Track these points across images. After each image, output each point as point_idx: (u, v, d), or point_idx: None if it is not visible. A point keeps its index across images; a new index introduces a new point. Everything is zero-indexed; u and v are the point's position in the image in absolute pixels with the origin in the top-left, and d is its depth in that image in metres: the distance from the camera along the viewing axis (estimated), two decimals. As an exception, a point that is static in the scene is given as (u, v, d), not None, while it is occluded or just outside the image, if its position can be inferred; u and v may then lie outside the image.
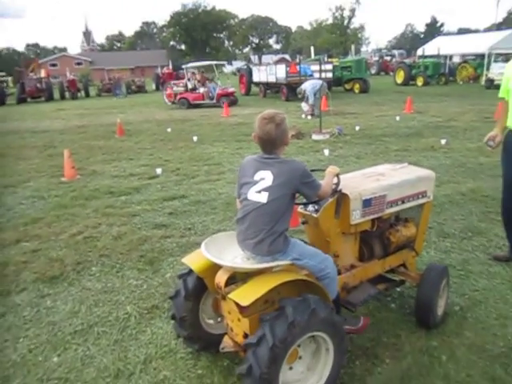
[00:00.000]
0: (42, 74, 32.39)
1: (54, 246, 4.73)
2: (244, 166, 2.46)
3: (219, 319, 2.78)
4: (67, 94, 32.10)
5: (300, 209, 2.70)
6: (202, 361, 2.79)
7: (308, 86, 13.79)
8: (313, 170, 2.90)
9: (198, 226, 5.03)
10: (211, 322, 2.78)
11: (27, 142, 12.04)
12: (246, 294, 2.13)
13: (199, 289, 2.60)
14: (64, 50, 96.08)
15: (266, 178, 2.30)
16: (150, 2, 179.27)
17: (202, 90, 19.49)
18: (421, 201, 3.03)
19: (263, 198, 2.27)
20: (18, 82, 31.08)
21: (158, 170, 7.45)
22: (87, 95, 31.80)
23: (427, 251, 4.11)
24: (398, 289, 3.39)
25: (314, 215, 2.60)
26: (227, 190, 6.25)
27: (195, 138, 10.55)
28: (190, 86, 19.95)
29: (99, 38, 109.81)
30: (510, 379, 2.51)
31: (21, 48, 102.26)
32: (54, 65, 72.05)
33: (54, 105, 26.37)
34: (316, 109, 13.53)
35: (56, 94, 31.41)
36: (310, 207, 2.64)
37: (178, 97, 19.59)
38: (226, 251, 2.44)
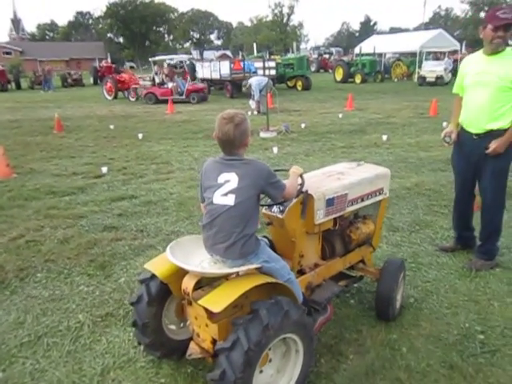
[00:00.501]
0: (-34, 64, 30.07)
1: (-9, 251, 4.38)
2: (206, 168, 2.40)
3: (182, 325, 2.70)
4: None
5: (264, 210, 2.67)
6: (164, 369, 2.69)
7: (253, 82, 13.84)
8: (276, 170, 2.89)
9: (150, 227, 4.85)
10: (173, 327, 2.69)
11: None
12: (217, 300, 2.08)
13: (163, 294, 2.51)
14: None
15: (230, 180, 2.25)
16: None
17: (170, 85, 18.61)
18: (378, 198, 3.11)
19: (230, 200, 2.22)
20: None
21: (104, 169, 7.13)
22: (18, 87, 29.97)
23: (380, 246, 4.23)
24: (356, 284, 3.47)
25: (280, 216, 2.58)
26: (178, 190, 6.10)
27: (140, 136, 10.22)
28: (157, 80, 19.03)
29: (29, 27, 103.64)
30: (466, 365, 2.64)
31: None
32: (-22, 54, 66.97)
33: (-20, 98, 24.54)
34: (262, 106, 13.63)
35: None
36: (275, 208, 2.63)
37: (145, 91, 18.73)
38: (192, 255, 2.36)
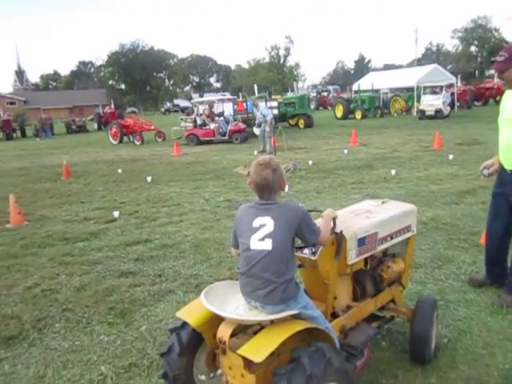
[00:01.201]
0: (-28, 114, 30.80)
1: (7, 301, 4.29)
2: (240, 214, 2.39)
3: (212, 375, 2.58)
4: (1, 135, 30.60)
5: (295, 252, 2.62)
6: (195, 422, 2.57)
7: (261, 106, 15.09)
8: (309, 211, 2.86)
9: (168, 271, 4.77)
10: (204, 378, 2.58)
11: (-38, 188, 11.17)
12: (257, 349, 1.99)
13: (194, 343, 2.41)
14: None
15: (266, 223, 2.22)
16: (86, 42, 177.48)
17: (212, 125, 18.45)
18: (407, 235, 3.06)
19: (267, 245, 2.19)
20: None
21: (116, 213, 7.11)
22: (23, 135, 30.43)
23: (406, 283, 4.15)
24: (386, 325, 3.36)
25: (312, 258, 2.53)
26: (193, 232, 6.05)
27: (149, 179, 10.26)
28: (199, 121, 18.88)
29: (33, 77, 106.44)
30: (513, 411, 2.51)
31: None
32: (-17, 105, 68.62)
33: (-13, 147, 24.94)
34: (268, 145, 13.86)
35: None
36: (306, 250, 2.57)
37: (186, 133, 18.55)
38: (226, 302, 2.30)
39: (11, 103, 70.45)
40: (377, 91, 31.00)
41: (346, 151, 12.89)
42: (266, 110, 15.34)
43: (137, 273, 4.78)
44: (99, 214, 7.39)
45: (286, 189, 8.22)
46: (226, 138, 18.03)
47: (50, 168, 13.58)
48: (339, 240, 2.50)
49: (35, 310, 4.06)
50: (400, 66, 66.37)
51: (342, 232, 2.49)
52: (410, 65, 66.90)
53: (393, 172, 9.22)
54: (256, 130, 15.22)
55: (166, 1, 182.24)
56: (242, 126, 18.87)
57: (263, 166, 2.26)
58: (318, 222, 2.51)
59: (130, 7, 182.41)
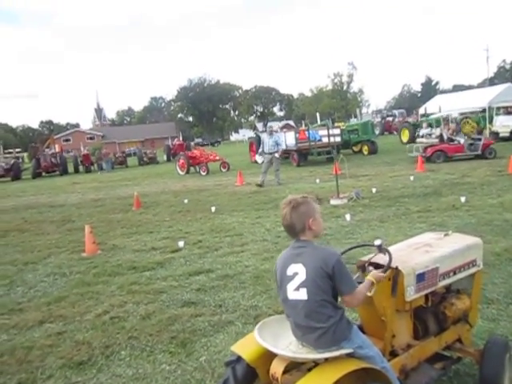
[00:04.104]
0: (57, 148, 33.65)
1: (79, 327, 4.55)
2: (278, 261, 2.38)
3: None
4: (81, 168, 33.05)
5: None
6: None
7: (270, 141, 14.53)
8: (360, 246, 2.81)
9: (228, 302, 4.83)
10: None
11: (45, 217, 12.15)
12: None
13: (249, 378, 2.42)
14: (76, 125, 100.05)
15: (299, 272, 2.19)
16: (157, 79, 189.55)
17: (462, 140, 16.80)
18: (472, 270, 2.90)
19: (303, 295, 2.17)
20: (33, 158, 32.27)
21: (181, 243, 7.36)
22: (101, 168, 32.60)
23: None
24: (454, 366, 3.15)
25: (368, 294, 2.47)
26: (254, 263, 6.10)
27: (213, 209, 10.54)
28: (445, 136, 17.50)
29: (110, 113, 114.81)
30: None
31: (35, 125, 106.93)
32: (67, 140, 74.97)
33: (68, 178, 27.08)
34: (276, 177, 14.17)
35: (70, 168, 32.35)
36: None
37: (430, 149, 16.64)
38: (279, 337, 2.30)
39: (90, 138, 76.36)
40: (446, 114, 29.83)
41: (412, 178, 12.46)
42: (280, 139, 15.16)
43: (198, 303, 4.89)
44: (165, 244, 7.68)
45: (348, 218, 8.08)
46: (479, 152, 16.25)
47: (122, 199, 14.40)
48: (395, 276, 2.42)
49: (104, 337, 4.27)
50: (471, 87, 63.72)
51: (397, 267, 2.42)
52: (482, 85, 63.99)
53: (462, 199, 8.75)
54: (259, 158, 15.02)
55: (231, 37, 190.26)
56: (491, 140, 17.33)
57: (284, 205, 2.26)
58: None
59: (198, 44, 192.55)
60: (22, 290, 5.92)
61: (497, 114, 23.92)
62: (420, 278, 2.54)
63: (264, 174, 14.14)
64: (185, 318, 4.51)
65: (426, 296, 2.68)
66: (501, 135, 22.31)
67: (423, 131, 20.86)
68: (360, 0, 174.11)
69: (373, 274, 2.38)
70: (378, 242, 2.50)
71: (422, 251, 2.75)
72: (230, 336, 4.03)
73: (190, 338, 4.09)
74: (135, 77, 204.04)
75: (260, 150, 14.95)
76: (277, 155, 14.27)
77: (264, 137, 15.29)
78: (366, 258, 2.62)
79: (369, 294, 2.45)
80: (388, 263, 2.42)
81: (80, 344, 4.16)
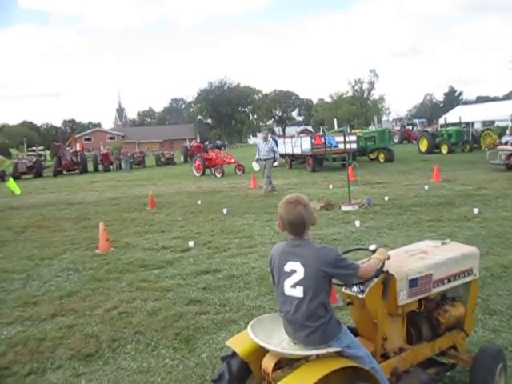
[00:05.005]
0: (78, 147, 34.31)
1: (89, 321, 4.72)
2: (273, 255, 2.46)
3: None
4: (100, 167, 33.63)
5: (344, 289, 2.66)
6: None
7: (266, 147, 13.91)
8: (355, 250, 2.89)
9: (232, 301, 4.95)
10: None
11: (63, 214, 12.48)
12: (297, 382, 2.06)
13: (243, 373, 2.51)
14: (98, 125, 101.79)
15: (297, 270, 2.28)
16: (178, 80, 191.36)
17: None
18: (467, 279, 2.95)
19: (299, 292, 2.25)
20: (55, 156, 32.95)
21: (191, 243, 7.51)
22: (119, 168, 33.12)
23: (475, 330, 3.89)
24: (449, 373, 3.20)
25: (360, 296, 2.55)
26: (260, 264, 6.20)
27: (225, 210, 10.68)
28: None
29: (131, 114, 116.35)
30: None
31: (58, 124, 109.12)
32: (88, 139, 76.31)
33: (88, 177, 27.60)
34: (266, 185, 13.67)
35: (90, 167, 32.96)
36: (355, 288, 2.60)
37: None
38: (272, 334, 2.39)
39: (111, 138, 77.58)
40: (467, 125, 29.54)
41: (426, 187, 12.38)
42: (275, 146, 14.34)
43: (203, 301, 5.02)
44: (176, 243, 7.84)
45: (358, 224, 8.12)
46: None
47: (137, 198, 14.66)
48: (386, 280, 2.50)
49: (111, 331, 4.42)
50: (495, 99, 62.73)
51: (388, 271, 2.50)
52: (507, 97, 62.92)
53: (475, 210, 8.69)
54: (255, 166, 14.49)
55: (253, 41, 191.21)
56: None
57: (294, 203, 2.32)
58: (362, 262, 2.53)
59: (219, 47, 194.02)
60: (38, 284, 6.14)
61: (520, 127, 23.55)
62: (413, 283, 2.60)
63: (267, 179, 13.83)
64: (189, 316, 4.64)
65: (420, 301, 2.74)
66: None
67: (507, 138, 20.17)
68: (384, 6, 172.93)
69: (379, 252, 2.50)
70: (372, 247, 2.58)
71: (417, 258, 2.81)
72: (232, 335, 4.05)
73: (193, 335, 4.22)
74: (157, 78, 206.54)
75: (256, 156, 14.33)
76: (276, 163, 13.59)
77: (259, 143, 14.45)
78: (360, 262, 2.69)
79: (361, 296, 2.53)
80: (380, 267, 2.50)
81: (89, 337, 4.32)
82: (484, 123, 32.72)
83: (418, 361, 2.78)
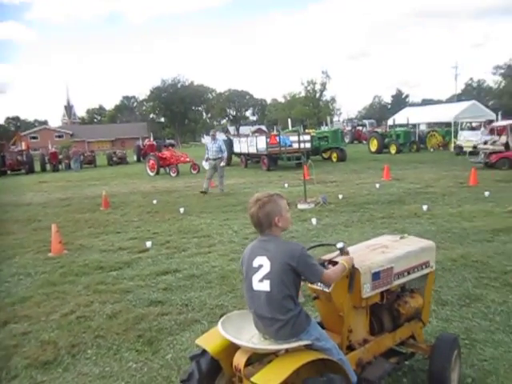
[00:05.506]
0: (23, 146, 32.69)
1: (45, 327, 4.53)
2: (245, 252, 2.51)
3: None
4: (48, 166, 32.23)
5: (310, 284, 2.72)
6: None
7: (214, 146, 13.62)
8: (323, 245, 2.97)
9: (194, 301, 4.92)
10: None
11: (10, 216, 11.88)
12: (270, 377, 2.09)
13: (213, 371, 2.52)
14: (45, 122, 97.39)
15: (263, 264, 2.32)
16: (130, 78, 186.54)
17: None
18: (425, 271, 3.10)
19: (266, 286, 2.29)
20: (-2, 155, 31.19)
21: (148, 244, 7.38)
22: (69, 167, 31.88)
23: (429, 321, 4.10)
24: (408, 362, 3.35)
25: (326, 290, 2.62)
26: (220, 263, 6.21)
27: (182, 210, 10.57)
28: (511, 144, 17.14)
29: (80, 111, 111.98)
30: None
31: (1, 121, 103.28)
32: (34, 137, 72.77)
33: (35, 177, 26.42)
34: (220, 185, 13.60)
35: (37, 167, 31.49)
36: None
37: (495, 156, 16.62)
38: (242, 331, 2.42)
39: (59, 136, 74.40)
40: (413, 126, 30.85)
41: (377, 186, 12.85)
42: (224, 144, 14.19)
43: (165, 302, 4.96)
44: (133, 244, 7.68)
45: (314, 222, 8.30)
46: None
47: (90, 199, 14.20)
48: (352, 273, 2.59)
49: (70, 336, 4.27)
50: (439, 101, 65.90)
51: (353, 265, 2.58)
52: (450, 100, 66.29)
53: (424, 208, 9.12)
54: (205, 165, 14.36)
55: (206, 38, 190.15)
56: None
57: (252, 203, 2.38)
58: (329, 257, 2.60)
59: (173, 44, 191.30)
60: (-15, 291, 5.81)
61: (462, 129, 24.89)
62: (376, 276, 2.71)
63: (208, 180, 13.64)
64: (151, 317, 4.57)
65: (382, 294, 2.85)
66: (464, 149, 23.21)
67: (486, 138, 20.98)
68: (336, 9, 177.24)
69: (344, 259, 2.55)
70: (340, 245, 2.66)
71: (379, 252, 2.93)
72: (196, 334, 4.09)
73: (156, 337, 4.16)
74: (107, 74, 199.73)
75: (205, 156, 14.05)
76: (222, 163, 13.48)
77: (207, 142, 14.13)
78: (326, 257, 2.77)
79: (327, 290, 2.61)
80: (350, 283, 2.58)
81: (45, 344, 4.16)
82: (429, 125, 34.36)
83: (380, 351, 2.90)
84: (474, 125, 25.27)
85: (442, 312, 4.33)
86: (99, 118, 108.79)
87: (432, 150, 28.60)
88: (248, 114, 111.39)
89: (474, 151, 21.96)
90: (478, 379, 3.19)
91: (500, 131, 20.38)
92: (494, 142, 19.42)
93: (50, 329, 4.48)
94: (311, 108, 79.07)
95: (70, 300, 5.21)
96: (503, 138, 19.28)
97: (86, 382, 3.52)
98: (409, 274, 2.96)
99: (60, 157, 32.99)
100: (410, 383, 3.19)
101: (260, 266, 2.33)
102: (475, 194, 10.81)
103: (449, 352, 2.92)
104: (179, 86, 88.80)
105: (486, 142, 20.13)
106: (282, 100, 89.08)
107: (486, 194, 10.48)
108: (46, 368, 3.76)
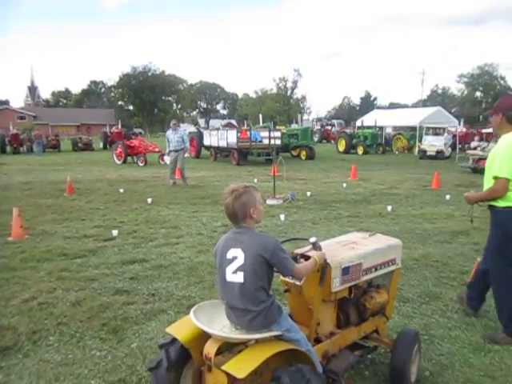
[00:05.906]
0: (-18, 126, 31.31)
1: (4, 312, 4.39)
2: (219, 243, 2.51)
3: (197, 392, 2.68)
4: (8, 148, 31.01)
5: (282, 277, 2.77)
6: None
7: (175, 137, 13.19)
8: (296, 239, 3.02)
9: (161, 291, 4.88)
10: (189, 395, 2.68)
11: (-35, 199, 11.36)
12: (240, 365, 2.12)
13: (182, 359, 2.53)
14: (6, 102, 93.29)
15: (238, 256, 2.34)
16: (99, 62, 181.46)
17: None
18: (391, 268, 3.21)
19: (239, 278, 2.31)
20: (-47, 135, 29.75)
21: (114, 232, 7.25)
22: (31, 150, 30.80)
23: (392, 316, 4.25)
24: (370, 355, 3.46)
25: (298, 283, 2.67)
26: (188, 255, 6.18)
27: (149, 200, 10.43)
28: None
29: (45, 94, 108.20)
30: None
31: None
32: (-7, 118, 69.67)
33: (-7, 159, 25.28)
34: (182, 177, 13.27)
35: (-4, 148, 30.27)
36: None
37: (483, 162, 15.38)
38: (214, 320, 2.43)
39: (21, 118, 71.59)
40: (380, 128, 31.60)
41: (344, 185, 13.11)
42: (186, 135, 13.73)
43: (131, 291, 4.90)
44: (98, 232, 7.52)
45: (282, 218, 8.39)
46: None
47: (53, 184, 13.77)
48: (323, 268, 2.65)
49: (31, 323, 4.16)
50: (405, 106, 67.66)
51: (325, 260, 2.65)
52: (416, 105, 68.20)
53: (389, 208, 9.39)
54: (167, 159, 13.95)
55: (180, 28, 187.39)
56: None
57: (227, 194, 2.39)
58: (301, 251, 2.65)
59: (144, 32, 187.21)
60: None
61: (426, 134, 25.71)
62: (345, 271, 2.79)
63: (172, 174, 13.31)
64: (117, 306, 4.51)
65: (350, 288, 2.94)
66: (428, 153, 24.00)
67: (474, 144, 21.38)
68: (310, 8, 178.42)
69: (316, 254, 2.58)
70: (313, 240, 2.71)
71: (349, 248, 3.01)
72: (162, 324, 4.09)
73: (121, 326, 4.11)
74: (75, 57, 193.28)
75: (167, 149, 13.54)
76: (186, 154, 12.80)
77: (169, 133, 13.40)
78: (299, 251, 2.82)
79: (298, 283, 2.66)
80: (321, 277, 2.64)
81: (4, 329, 4.03)
82: (395, 128, 35.33)
83: (345, 344, 2.99)
84: (437, 130, 26.17)
85: (404, 309, 4.49)
86: (65, 101, 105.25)
87: (397, 152, 29.40)
88: (219, 107, 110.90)
89: (437, 156, 22.77)
90: (435, 372, 3.34)
91: (488, 137, 21.05)
92: (483, 149, 20.17)
93: (10, 314, 4.34)
94: (282, 105, 79.59)
95: (32, 286, 5.07)
96: (492, 145, 20.05)
97: (47, 368, 3.45)
98: (376, 270, 3.06)
99: (21, 138, 31.79)
100: (372, 375, 3.31)
101: (234, 258, 2.34)
102: (437, 196, 11.21)
103: (410, 346, 3.04)
104: (150, 74, 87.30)
105: (475, 148, 20.83)
106: (253, 95, 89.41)
107: (447, 197, 10.89)
108: (5, 354, 3.65)
